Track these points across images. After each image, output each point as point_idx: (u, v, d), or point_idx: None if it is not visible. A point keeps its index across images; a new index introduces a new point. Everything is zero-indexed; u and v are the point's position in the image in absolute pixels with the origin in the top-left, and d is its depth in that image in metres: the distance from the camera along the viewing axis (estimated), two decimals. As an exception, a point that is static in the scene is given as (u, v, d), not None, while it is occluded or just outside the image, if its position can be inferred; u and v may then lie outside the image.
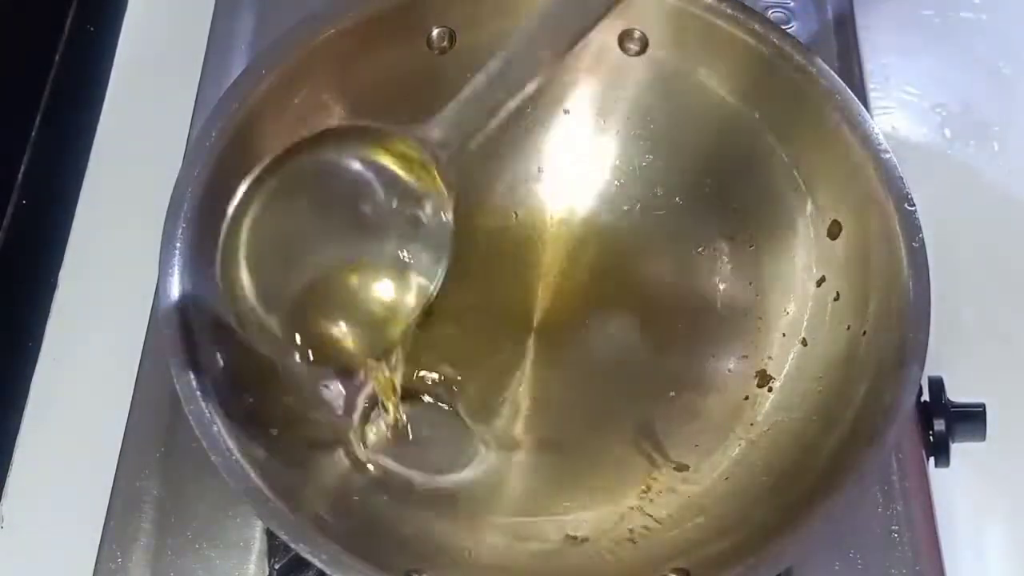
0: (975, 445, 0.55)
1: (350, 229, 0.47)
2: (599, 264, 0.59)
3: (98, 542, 0.53)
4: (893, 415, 0.45)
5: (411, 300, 0.46)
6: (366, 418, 0.54)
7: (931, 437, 0.55)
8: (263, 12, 0.69)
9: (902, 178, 0.50)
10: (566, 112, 0.59)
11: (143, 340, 0.59)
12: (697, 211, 0.58)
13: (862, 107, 0.51)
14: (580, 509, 0.53)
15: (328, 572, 0.43)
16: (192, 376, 0.45)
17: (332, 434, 0.53)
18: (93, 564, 0.53)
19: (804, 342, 0.54)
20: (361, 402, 0.54)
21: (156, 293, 0.52)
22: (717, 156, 0.57)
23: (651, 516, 0.52)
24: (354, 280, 0.46)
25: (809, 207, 0.54)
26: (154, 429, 0.56)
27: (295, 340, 0.45)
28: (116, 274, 0.65)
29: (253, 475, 0.44)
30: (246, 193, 0.44)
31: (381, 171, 0.45)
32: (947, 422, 0.55)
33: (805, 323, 0.54)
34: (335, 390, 0.54)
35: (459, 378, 0.55)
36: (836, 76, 0.52)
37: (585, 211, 0.60)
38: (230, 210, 0.44)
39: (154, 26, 0.74)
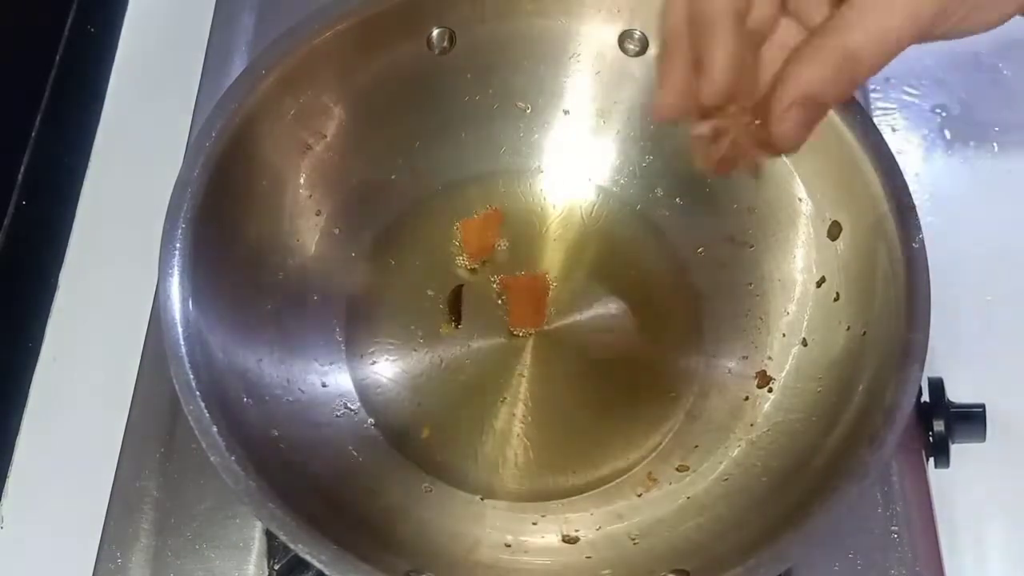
0: (975, 445, 0.55)
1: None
2: (599, 264, 0.59)
3: (98, 542, 0.53)
4: (893, 415, 0.45)
5: None
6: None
7: (931, 437, 0.55)
8: (263, 12, 0.69)
9: (902, 178, 0.50)
10: (566, 112, 0.59)
11: (143, 340, 0.59)
12: (697, 211, 0.58)
13: (862, 108, 0.51)
14: (580, 509, 0.53)
15: (328, 572, 0.43)
16: (192, 376, 0.45)
17: (332, 433, 0.53)
18: (93, 564, 0.53)
19: (804, 342, 0.54)
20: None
21: (156, 293, 0.52)
22: (717, 156, 0.57)
23: (651, 516, 0.52)
24: None
25: (809, 207, 0.54)
26: (154, 429, 0.56)
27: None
28: (116, 274, 0.65)
29: (252, 475, 0.44)
30: None
31: None
32: (947, 422, 0.55)
33: (805, 323, 0.54)
34: (334, 388, 0.54)
35: (460, 377, 0.55)
36: (836, 76, 0.52)
37: (585, 211, 0.60)
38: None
39: (154, 26, 0.74)
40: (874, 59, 0.37)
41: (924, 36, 0.37)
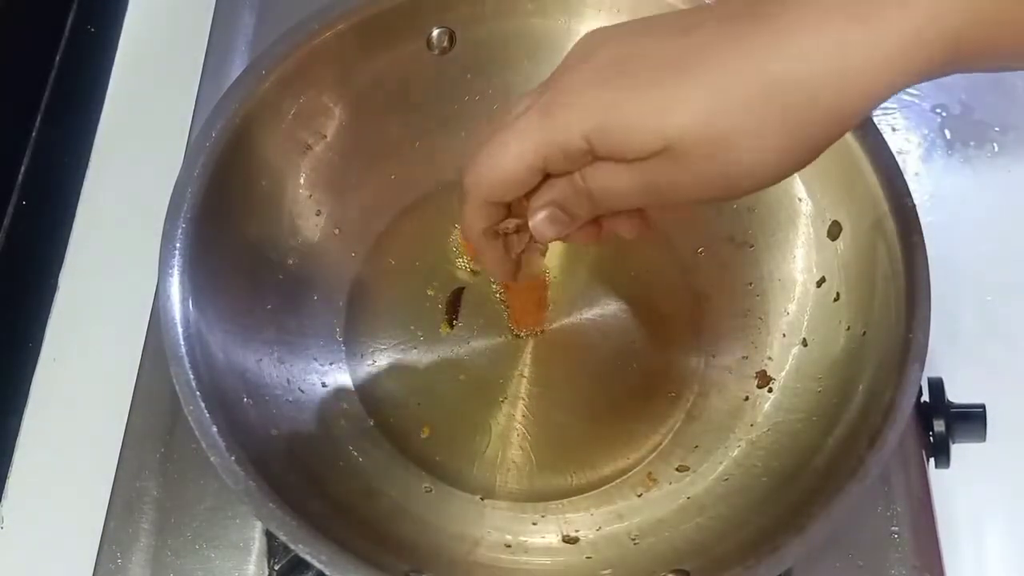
0: (975, 445, 0.55)
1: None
2: (599, 264, 0.59)
3: (98, 542, 0.53)
4: (893, 415, 0.45)
5: None
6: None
7: (931, 438, 0.55)
8: (263, 12, 0.69)
9: (902, 178, 0.50)
10: (566, 112, 0.59)
11: (143, 340, 0.59)
12: (697, 211, 0.58)
13: (862, 107, 0.51)
14: (580, 509, 0.53)
15: (328, 572, 0.43)
16: (192, 376, 0.45)
17: (332, 433, 0.53)
18: (93, 564, 0.53)
19: (804, 342, 0.54)
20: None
21: (156, 293, 0.52)
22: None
23: (651, 516, 0.52)
24: None
25: (809, 207, 0.54)
26: (154, 429, 0.56)
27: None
28: (116, 274, 0.65)
29: (252, 475, 0.44)
30: None
31: None
32: (947, 423, 0.55)
33: (805, 323, 0.54)
34: (334, 388, 0.54)
35: (460, 377, 0.55)
36: (836, 76, 0.52)
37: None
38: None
39: (154, 26, 0.74)
40: (607, 205, 0.42)
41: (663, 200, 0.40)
